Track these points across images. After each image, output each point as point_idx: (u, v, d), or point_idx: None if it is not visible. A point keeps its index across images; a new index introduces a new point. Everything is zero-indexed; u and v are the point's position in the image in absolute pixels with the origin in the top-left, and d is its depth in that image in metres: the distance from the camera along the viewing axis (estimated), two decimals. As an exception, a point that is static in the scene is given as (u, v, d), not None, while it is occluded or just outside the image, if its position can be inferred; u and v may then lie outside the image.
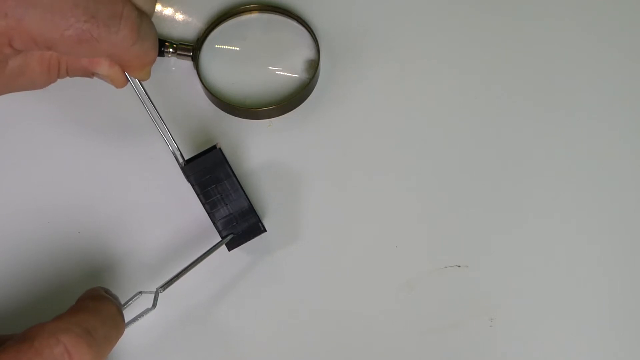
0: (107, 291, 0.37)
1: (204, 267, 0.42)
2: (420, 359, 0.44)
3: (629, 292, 0.45)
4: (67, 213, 0.44)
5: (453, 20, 0.47)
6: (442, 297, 0.44)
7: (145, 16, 0.36)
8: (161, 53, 0.45)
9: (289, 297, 0.44)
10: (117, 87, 0.39)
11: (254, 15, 0.47)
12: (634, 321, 0.45)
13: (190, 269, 0.40)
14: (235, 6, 0.47)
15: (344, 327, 0.44)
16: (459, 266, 0.45)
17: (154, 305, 0.38)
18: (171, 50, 0.45)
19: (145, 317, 0.37)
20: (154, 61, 0.38)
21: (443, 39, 0.47)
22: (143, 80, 0.40)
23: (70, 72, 0.39)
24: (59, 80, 0.39)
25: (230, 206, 0.42)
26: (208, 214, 0.42)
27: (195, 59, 0.45)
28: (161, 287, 0.38)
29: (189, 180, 0.42)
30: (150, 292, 0.38)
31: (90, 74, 0.39)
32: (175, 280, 0.39)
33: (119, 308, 0.36)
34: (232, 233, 0.42)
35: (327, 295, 0.44)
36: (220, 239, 0.42)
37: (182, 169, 0.42)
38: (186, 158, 0.42)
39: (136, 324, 0.37)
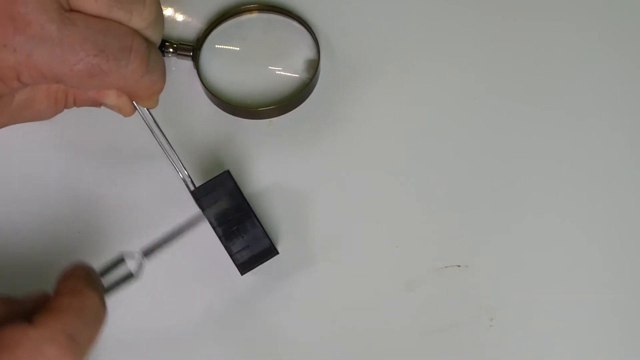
0: (88, 272, 0.35)
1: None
2: (420, 359, 0.44)
3: (629, 291, 0.45)
4: (67, 218, 0.44)
5: (453, 20, 0.47)
6: (442, 297, 0.44)
7: (153, 46, 0.36)
8: (161, 53, 0.45)
9: (287, 296, 0.44)
10: (125, 115, 0.39)
11: (254, 15, 0.47)
12: (634, 321, 0.45)
13: (176, 237, 0.38)
14: (236, 6, 0.47)
15: (343, 327, 0.44)
16: (459, 266, 0.45)
17: (137, 274, 0.36)
18: (171, 50, 0.45)
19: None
20: (161, 90, 0.38)
21: (443, 39, 0.47)
22: (151, 108, 0.39)
23: (77, 103, 0.39)
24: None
25: (242, 231, 0.41)
26: (219, 237, 0.41)
27: (195, 59, 0.45)
28: (143, 253, 0.37)
29: (199, 205, 0.41)
30: (132, 257, 0.36)
31: (97, 104, 0.39)
32: (160, 248, 0.37)
33: (101, 298, 0.34)
34: (211, 206, 0.41)
35: (327, 294, 0.44)
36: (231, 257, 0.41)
37: (192, 193, 0.41)
38: (195, 182, 0.41)
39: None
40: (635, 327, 0.44)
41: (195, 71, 0.45)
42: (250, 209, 0.42)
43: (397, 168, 0.46)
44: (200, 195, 0.41)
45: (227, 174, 0.42)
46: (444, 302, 0.44)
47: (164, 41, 0.45)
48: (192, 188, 0.41)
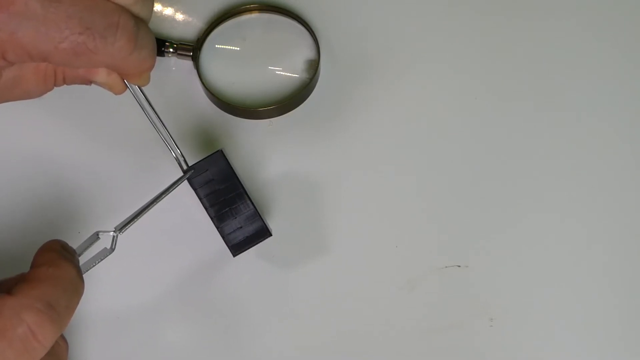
0: (63, 245, 0.35)
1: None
2: (421, 359, 0.44)
3: (629, 291, 0.45)
4: (67, 213, 0.44)
5: (453, 20, 0.47)
6: (442, 297, 0.44)
7: (142, 23, 0.35)
8: (161, 53, 0.45)
9: (286, 295, 0.44)
10: (115, 94, 0.38)
11: (254, 15, 0.47)
12: (634, 321, 0.45)
13: (149, 208, 0.38)
14: (236, 6, 0.47)
15: (343, 327, 0.44)
16: (459, 266, 0.45)
17: (113, 248, 0.36)
18: (171, 50, 0.45)
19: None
20: (152, 67, 0.37)
21: (443, 39, 0.47)
22: (142, 86, 0.39)
23: (67, 81, 0.38)
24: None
25: (235, 212, 0.41)
26: (211, 218, 0.41)
27: (195, 59, 0.45)
28: (119, 229, 0.36)
29: (191, 185, 0.41)
30: (108, 232, 0.36)
31: (87, 81, 0.38)
32: (134, 221, 0.37)
33: (78, 270, 0.34)
34: (193, 168, 0.41)
35: (327, 294, 0.44)
36: (182, 175, 0.41)
37: (185, 173, 0.41)
38: (189, 163, 0.41)
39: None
40: (635, 327, 0.45)
41: (195, 71, 0.45)
42: (244, 189, 0.41)
43: (397, 168, 0.46)
44: (192, 175, 0.41)
45: (220, 154, 0.41)
46: (444, 302, 0.44)
47: (164, 41, 0.45)
48: (184, 167, 0.41)
